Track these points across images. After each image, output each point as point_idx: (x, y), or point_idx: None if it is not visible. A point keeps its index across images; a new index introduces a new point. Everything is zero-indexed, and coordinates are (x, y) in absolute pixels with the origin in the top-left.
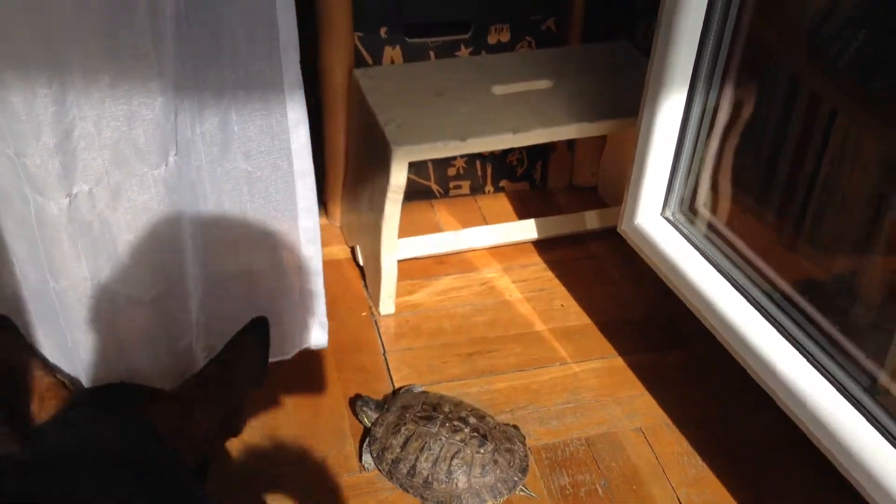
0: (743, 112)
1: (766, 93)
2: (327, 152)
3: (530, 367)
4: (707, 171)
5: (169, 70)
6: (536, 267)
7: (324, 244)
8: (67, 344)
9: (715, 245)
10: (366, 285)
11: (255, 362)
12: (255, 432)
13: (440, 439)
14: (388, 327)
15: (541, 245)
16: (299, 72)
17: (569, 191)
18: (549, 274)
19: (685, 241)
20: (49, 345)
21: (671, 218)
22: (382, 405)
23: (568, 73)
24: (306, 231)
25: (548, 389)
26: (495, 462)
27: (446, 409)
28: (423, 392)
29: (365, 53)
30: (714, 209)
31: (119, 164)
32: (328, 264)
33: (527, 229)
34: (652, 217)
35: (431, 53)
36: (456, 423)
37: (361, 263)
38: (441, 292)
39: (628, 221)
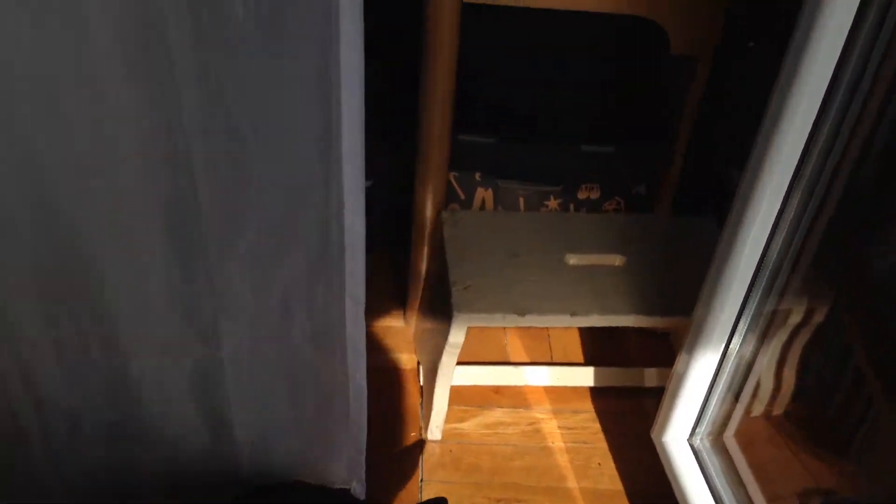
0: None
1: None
2: (413, 269)
3: None
4: (742, 405)
5: None
6: (586, 416)
7: (396, 350)
8: None
9: (732, 487)
10: (422, 405)
11: None
12: None
13: None
14: (431, 454)
15: (597, 390)
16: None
17: (641, 332)
18: (597, 426)
19: (702, 477)
20: None
21: (696, 445)
22: None
23: (645, 249)
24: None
25: None
26: None
27: None
28: None
29: (459, 190)
30: (744, 447)
31: None
32: (395, 371)
33: (584, 376)
34: (679, 439)
35: (521, 199)
36: None
37: (421, 384)
38: (489, 425)
39: (658, 433)
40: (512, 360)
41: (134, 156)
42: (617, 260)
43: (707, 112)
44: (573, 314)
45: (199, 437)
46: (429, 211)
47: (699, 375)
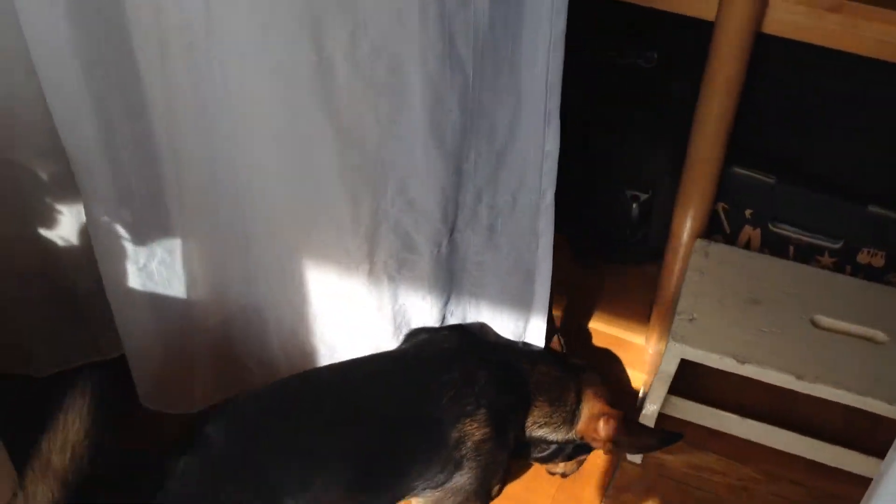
0: None
1: None
2: (659, 293)
3: None
4: None
5: None
6: (803, 491)
7: (627, 365)
8: None
9: None
10: None
11: None
12: None
13: None
14: (625, 474)
15: (825, 468)
16: None
17: None
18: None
19: None
20: None
21: None
22: None
23: None
24: None
25: None
26: None
27: None
28: None
29: (725, 223)
30: None
31: None
32: (618, 387)
33: (813, 449)
34: None
35: (791, 248)
36: None
37: (637, 404)
38: (695, 466)
39: None
40: (745, 407)
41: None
42: (878, 336)
43: None
44: (799, 377)
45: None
46: (685, 236)
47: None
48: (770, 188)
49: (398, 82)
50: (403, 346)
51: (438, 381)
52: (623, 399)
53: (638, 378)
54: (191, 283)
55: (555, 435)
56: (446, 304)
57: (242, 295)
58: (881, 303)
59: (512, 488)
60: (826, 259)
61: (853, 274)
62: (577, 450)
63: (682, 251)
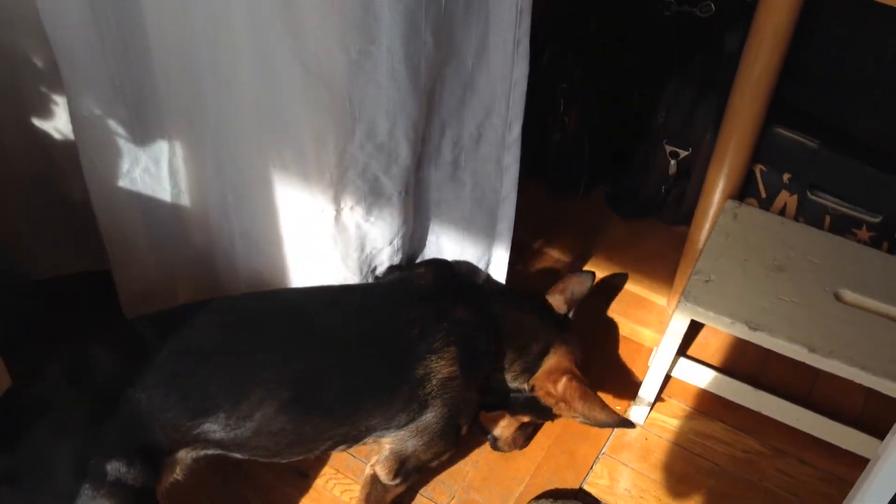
0: None
1: None
2: (684, 252)
3: None
4: None
5: None
6: (812, 471)
7: (646, 325)
8: None
9: None
10: None
11: None
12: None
13: None
14: (625, 433)
15: (839, 450)
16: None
17: None
18: (819, 486)
19: None
20: None
21: None
22: None
23: None
24: None
25: None
26: None
27: None
28: None
29: (761, 186)
30: None
31: None
32: (634, 345)
33: (829, 430)
34: None
35: (828, 218)
36: None
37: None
38: (700, 433)
39: None
40: (762, 380)
41: None
42: None
43: None
44: (812, 350)
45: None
46: (717, 195)
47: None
48: (812, 153)
49: (371, 12)
50: (377, 281)
51: (407, 316)
52: (639, 356)
53: (654, 339)
54: (175, 195)
55: (513, 383)
56: (411, 243)
57: (226, 217)
58: None
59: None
60: (863, 233)
61: (890, 251)
62: (523, 406)
63: (712, 211)
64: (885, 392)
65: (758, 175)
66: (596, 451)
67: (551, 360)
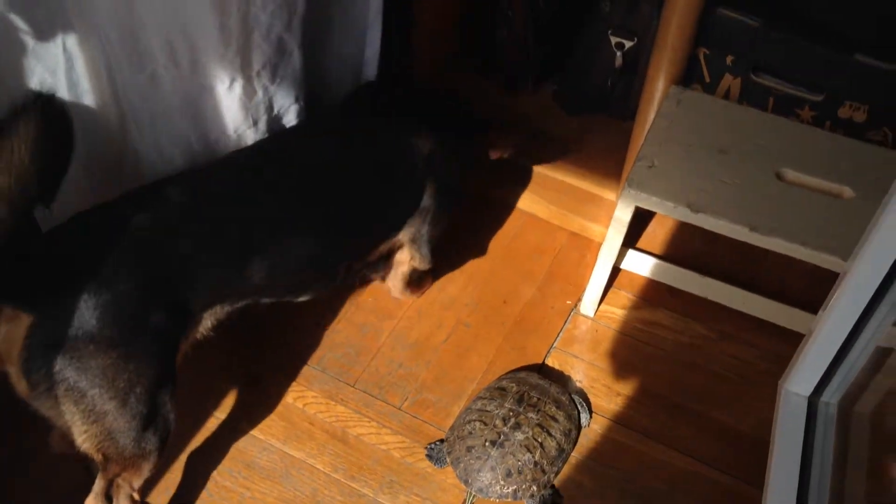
0: None
1: None
2: (631, 142)
3: (655, 437)
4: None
5: None
6: (759, 353)
7: (596, 221)
8: None
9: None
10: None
11: None
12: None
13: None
14: (575, 326)
15: (790, 333)
16: None
17: None
18: (765, 366)
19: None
20: None
21: (818, 406)
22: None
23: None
24: None
25: (646, 469)
26: (493, 469)
27: (513, 402)
28: (526, 379)
29: (705, 71)
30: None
31: None
32: (584, 241)
33: (777, 313)
34: (798, 394)
35: (771, 100)
36: (514, 418)
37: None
38: (648, 322)
39: (782, 382)
40: (708, 267)
41: None
42: (845, 192)
43: None
44: (753, 229)
45: None
46: (660, 83)
47: (832, 333)
48: (755, 32)
49: None
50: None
51: (381, 129)
52: (589, 251)
53: (603, 234)
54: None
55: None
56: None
57: (132, 105)
58: (854, 159)
59: (472, 319)
60: (806, 113)
61: (833, 129)
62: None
63: (657, 98)
64: (825, 266)
65: (701, 59)
66: (547, 344)
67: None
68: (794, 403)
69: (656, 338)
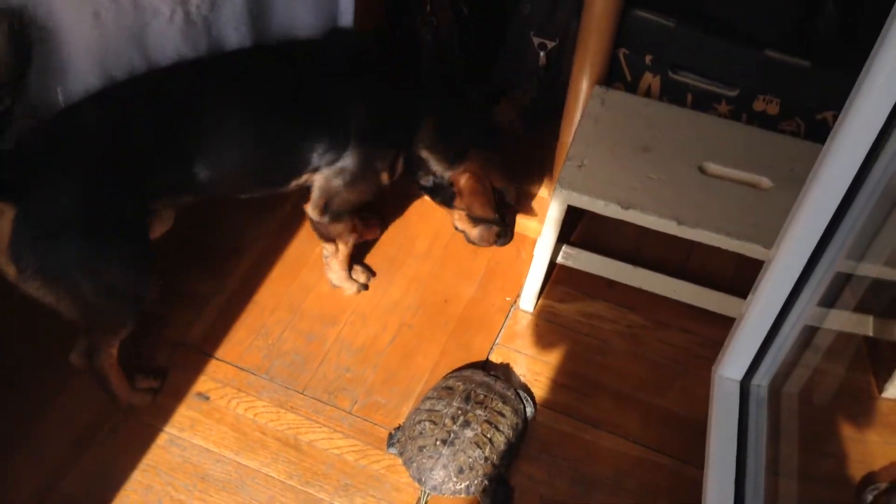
0: None
1: None
2: (560, 141)
3: (599, 426)
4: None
5: None
6: (693, 338)
7: (529, 215)
8: None
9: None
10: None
11: None
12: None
13: (435, 424)
14: (517, 322)
15: (720, 318)
16: None
17: None
18: (700, 351)
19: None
20: None
21: (750, 389)
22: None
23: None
24: None
25: (593, 456)
26: (445, 467)
27: (460, 401)
28: (472, 377)
29: (626, 71)
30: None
31: None
32: (519, 237)
33: (707, 298)
34: (730, 378)
35: (689, 96)
36: (462, 416)
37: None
38: (587, 314)
39: (716, 367)
40: (641, 258)
41: None
42: (763, 182)
43: None
44: (680, 222)
45: None
46: (584, 84)
47: (760, 317)
48: (670, 32)
49: None
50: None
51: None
52: (525, 247)
53: (538, 229)
54: None
55: (436, 167)
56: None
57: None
58: (770, 150)
59: (415, 321)
60: (723, 107)
61: (749, 122)
62: (438, 190)
63: (581, 98)
64: (750, 255)
65: (622, 59)
66: (490, 341)
67: (469, 160)
68: (728, 388)
69: (595, 329)
